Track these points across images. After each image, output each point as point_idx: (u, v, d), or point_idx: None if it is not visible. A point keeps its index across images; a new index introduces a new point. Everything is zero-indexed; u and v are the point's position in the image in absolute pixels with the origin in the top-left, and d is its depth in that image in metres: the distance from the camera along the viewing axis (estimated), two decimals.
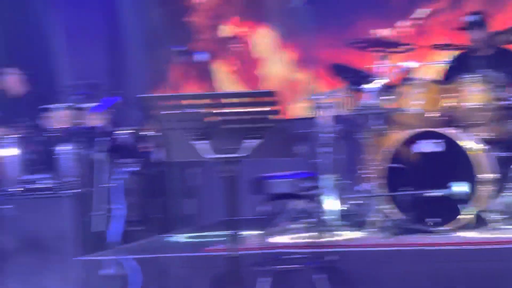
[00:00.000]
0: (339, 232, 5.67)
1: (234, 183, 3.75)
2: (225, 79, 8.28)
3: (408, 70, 6.05)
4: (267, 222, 5.69)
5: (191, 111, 3.70)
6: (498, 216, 5.40)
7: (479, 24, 6.19)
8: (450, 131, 5.58)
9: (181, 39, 8.15)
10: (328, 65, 6.45)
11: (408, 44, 6.31)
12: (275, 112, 3.69)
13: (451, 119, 5.84)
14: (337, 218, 5.85)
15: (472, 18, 6.22)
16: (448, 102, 5.86)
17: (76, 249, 5.70)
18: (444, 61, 6.42)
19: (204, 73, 8.09)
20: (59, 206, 5.93)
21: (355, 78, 6.17)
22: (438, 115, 5.87)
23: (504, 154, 5.79)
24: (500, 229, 5.36)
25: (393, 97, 5.96)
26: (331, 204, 5.87)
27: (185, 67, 8.05)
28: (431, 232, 5.38)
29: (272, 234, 5.65)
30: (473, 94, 5.79)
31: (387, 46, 6.19)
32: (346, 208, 5.98)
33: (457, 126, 5.74)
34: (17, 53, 8.15)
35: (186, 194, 7.21)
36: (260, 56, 8.25)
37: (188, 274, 5.42)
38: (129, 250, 6.01)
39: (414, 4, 7.61)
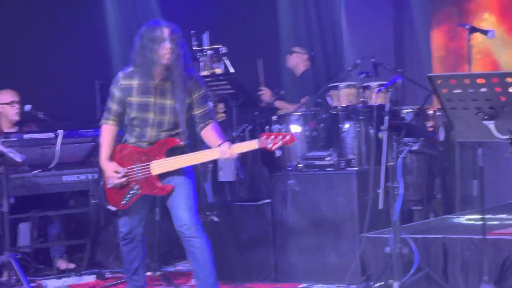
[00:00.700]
0: None
1: None
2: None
3: None
4: None
5: (483, 90, 3.60)
6: None
7: None
8: None
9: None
10: None
11: None
12: None
13: None
14: None
15: None
16: None
17: (360, 226, 5.79)
18: None
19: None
20: (342, 183, 6.03)
21: None
22: None
23: None
24: None
25: None
26: None
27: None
28: None
29: None
30: None
31: None
32: None
33: None
34: (304, 34, 8.40)
35: (468, 175, 7.04)
36: None
37: (471, 256, 5.31)
38: (411, 229, 6.01)
39: None
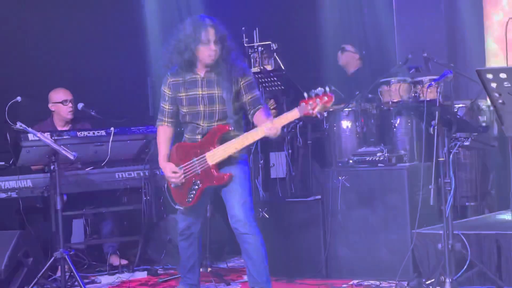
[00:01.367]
0: None
1: None
2: None
3: None
4: None
5: None
6: None
7: None
8: None
9: None
10: None
11: None
12: None
13: None
14: None
15: None
16: None
17: (412, 222, 5.73)
18: None
19: None
20: (394, 179, 5.98)
21: None
22: None
23: None
24: None
25: None
26: None
27: None
28: None
29: None
30: None
31: None
32: None
33: None
34: (353, 30, 8.36)
35: None
36: None
37: None
38: (464, 225, 5.94)
39: None
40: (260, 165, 7.54)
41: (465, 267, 5.22)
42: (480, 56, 7.94)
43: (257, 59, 7.36)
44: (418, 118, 6.31)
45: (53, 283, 6.20)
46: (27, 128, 5.97)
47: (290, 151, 7.29)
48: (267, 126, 4.87)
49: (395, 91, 6.56)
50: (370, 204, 6.05)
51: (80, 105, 7.04)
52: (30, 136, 6.18)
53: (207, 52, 4.97)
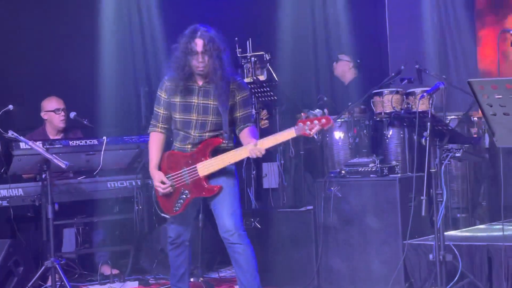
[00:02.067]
0: None
1: None
2: None
3: None
4: None
5: None
6: None
7: None
8: None
9: None
10: None
11: None
12: None
13: None
14: None
15: None
16: None
17: (403, 233, 5.74)
18: None
19: None
20: (386, 190, 5.98)
21: None
22: None
23: None
24: None
25: None
26: None
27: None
28: None
29: None
30: None
31: None
32: None
33: None
34: (348, 41, 8.38)
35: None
36: None
37: None
38: (456, 236, 5.95)
39: None
40: (252, 175, 7.55)
41: (456, 278, 5.23)
42: (473, 69, 7.98)
43: (250, 69, 7.38)
44: (410, 129, 6.34)
45: None
46: (19, 136, 5.96)
47: (282, 161, 7.29)
48: (251, 147, 4.91)
49: (388, 102, 6.58)
50: (362, 214, 6.05)
51: (72, 114, 7.03)
52: (22, 145, 6.17)
53: (195, 63, 4.98)
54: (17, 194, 6.37)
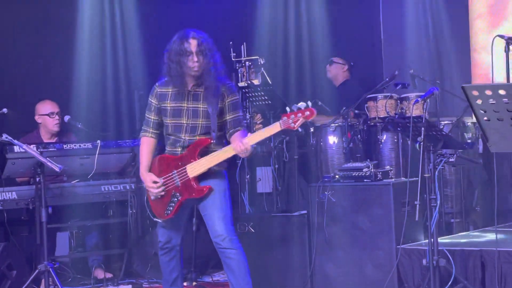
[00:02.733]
0: None
1: None
2: None
3: None
4: None
5: None
6: None
7: None
8: None
9: None
10: None
11: None
12: None
13: None
14: None
15: None
16: None
17: (397, 238, 5.74)
18: None
19: None
20: (379, 194, 5.98)
21: None
22: None
23: None
24: None
25: None
26: None
27: None
28: None
29: None
30: None
31: None
32: None
33: None
34: (342, 44, 8.40)
35: (507, 187, 6.95)
36: None
37: (509, 270, 5.24)
38: (449, 241, 5.96)
39: None
40: (246, 180, 7.55)
41: (450, 283, 5.24)
42: (466, 74, 8.00)
43: (244, 74, 7.38)
44: (404, 134, 6.34)
45: None
46: (13, 140, 5.95)
47: (276, 166, 7.29)
48: (237, 145, 4.92)
49: (382, 107, 6.59)
50: (355, 219, 6.05)
51: (66, 118, 7.03)
52: (16, 148, 6.15)
53: (190, 63, 5.00)
54: (10, 198, 6.35)
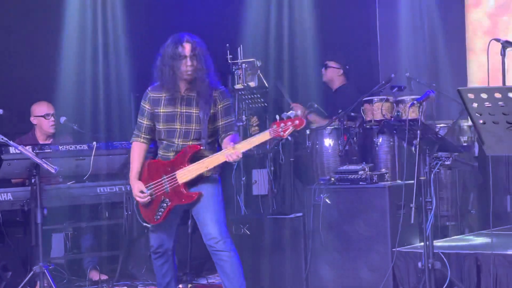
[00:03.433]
0: None
1: None
2: None
3: None
4: None
5: None
6: None
7: None
8: None
9: None
10: None
11: None
12: None
13: None
14: None
15: None
16: None
17: (393, 240, 5.75)
18: None
19: None
20: (375, 197, 5.99)
21: None
22: None
23: None
24: None
25: None
26: None
27: None
28: None
29: None
30: None
31: None
32: None
33: None
34: (337, 47, 8.40)
35: (502, 190, 6.96)
36: None
37: (504, 273, 5.25)
38: (445, 244, 5.96)
39: None
40: (242, 182, 7.55)
41: (445, 286, 5.24)
42: (461, 76, 8.01)
43: (241, 76, 7.38)
44: (400, 137, 6.35)
45: None
46: (8, 141, 5.93)
47: (272, 168, 7.29)
48: (228, 151, 4.91)
49: (378, 109, 6.59)
50: (351, 222, 6.05)
51: (62, 119, 7.02)
52: (11, 149, 6.14)
53: (184, 67, 5.00)
54: (6, 199, 6.34)
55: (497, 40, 5.49)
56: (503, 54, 5.45)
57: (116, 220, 6.81)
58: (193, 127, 5.08)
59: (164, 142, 5.15)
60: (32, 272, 5.75)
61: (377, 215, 5.96)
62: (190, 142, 5.08)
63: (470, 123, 6.72)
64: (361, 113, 6.80)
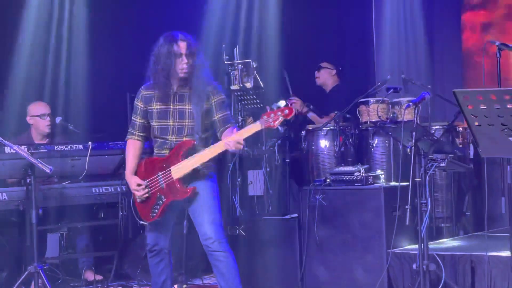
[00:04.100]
0: None
1: None
2: None
3: None
4: None
5: (509, 106, 3.57)
6: None
7: None
8: None
9: None
10: None
11: None
12: None
13: None
14: None
15: None
16: None
17: (388, 242, 5.75)
18: None
19: None
20: (370, 198, 6.00)
21: None
22: None
23: None
24: None
25: None
26: None
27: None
28: None
29: None
30: None
31: None
32: None
33: None
34: (331, 48, 8.41)
35: (497, 192, 6.96)
36: None
37: (498, 275, 5.26)
38: (439, 246, 5.97)
39: None
40: (237, 183, 7.54)
41: (440, 287, 5.24)
42: (457, 78, 8.02)
43: (237, 77, 7.38)
44: (396, 139, 6.36)
45: None
46: (4, 141, 5.92)
47: (268, 169, 7.30)
48: (227, 139, 4.90)
49: (374, 111, 6.60)
50: (346, 223, 6.06)
51: (58, 119, 7.01)
52: (7, 149, 6.13)
53: (180, 65, 5.02)
54: (1, 199, 6.31)
55: (493, 42, 5.49)
56: (498, 56, 5.45)
57: (111, 221, 6.79)
58: (186, 123, 5.09)
59: (159, 140, 5.16)
60: (27, 272, 5.74)
61: (372, 216, 5.97)
62: (184, 138, 5.09)
63: (465, 125, 6.72)
64: (357, 114, 6.80)
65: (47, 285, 5.68)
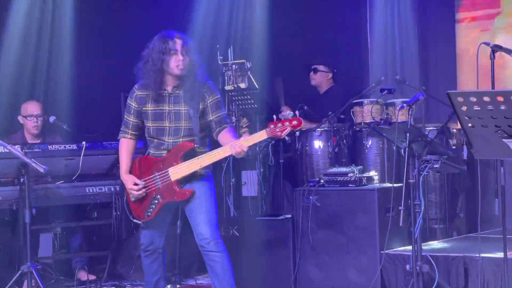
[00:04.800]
0: None
1: None
2: None
3: None
4: None
5: (503, 108, 3.58)
6: None
7: None
8: None
9: None
10: None
11: None
12: None
13: None
14: None
15: None
16: None
17: (381, 243, 5.76)
18: None
19: None
20: (364, 199, 6.00)
21: None
22: None
23: None
24: None
25: None
26: None
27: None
28: None
29: None
30: None
31: None
32: None
33: None
34: (326, 49, 8.41)
35: (490, 193, 6.97)
36: None
37: (491, 276, 5.27)
38: (433, 247, 5.97)
39: None
40: (231, 183, 7.54)
41: None
42: (451, 79, 8.03)
43: (231, 77, 7.38)
44: (390, 140, 6.36)
45: None
46: None
47: (262, 169, 7.30)
48: (233, 144, 4.88)
49: (368, 112, 6.61)
50: (340, 224, 6.06)
51: (52, 118, 7.00)
52: (0, 148, 6.12)
53: (175, 62, 5.00)
54: None
55: (487, 43, 5.49)
56: (492, 58, 5.45)
57: (105, 220, 6.79)
58: (183, 124, 5.08)
59: (155, 140, 5.14)
60: (19, 272, 5.73)
61: (366, 218, 5.97)
62: (181, 139, 5.08)
63: (459, 126, 6.73)
64: (351, 115, 6.81)
65: (40, 285, 5.67)
